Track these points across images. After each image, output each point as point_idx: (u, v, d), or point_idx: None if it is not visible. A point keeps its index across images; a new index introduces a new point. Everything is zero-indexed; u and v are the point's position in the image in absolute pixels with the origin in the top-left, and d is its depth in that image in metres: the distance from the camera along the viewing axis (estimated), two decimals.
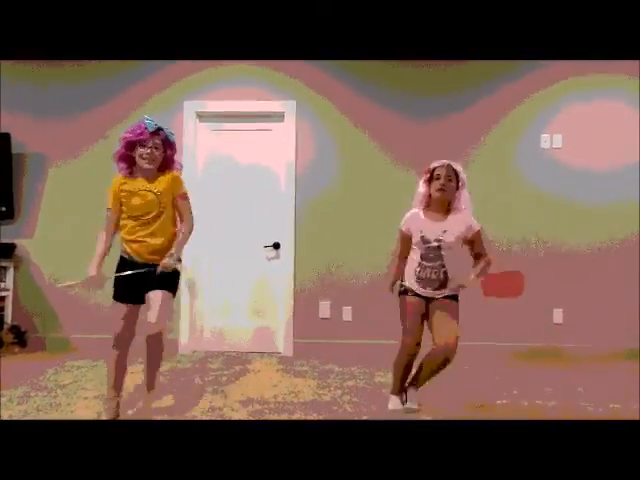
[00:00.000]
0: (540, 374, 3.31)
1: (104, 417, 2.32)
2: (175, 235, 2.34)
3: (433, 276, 2.44)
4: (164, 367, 3.44)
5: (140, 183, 2.29)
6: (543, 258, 3.90)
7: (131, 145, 2.25)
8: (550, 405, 2.61)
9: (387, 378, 3.18)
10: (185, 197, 2.37)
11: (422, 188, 2.51)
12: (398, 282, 2.56)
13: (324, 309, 3.95)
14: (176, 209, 2.35)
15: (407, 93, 4.01)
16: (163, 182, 2.30)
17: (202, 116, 4.10)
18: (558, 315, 3.87)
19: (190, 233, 2.39)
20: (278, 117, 4.05)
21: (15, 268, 4.00)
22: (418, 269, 2.47)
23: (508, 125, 3.97)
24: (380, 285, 3.92)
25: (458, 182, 2.46)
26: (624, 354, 3.74)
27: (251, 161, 4.09)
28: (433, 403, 2.58)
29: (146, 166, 2.26)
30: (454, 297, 2.49)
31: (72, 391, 2.80)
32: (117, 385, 2.32)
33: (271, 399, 2.71)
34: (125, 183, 2.30)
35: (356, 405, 2.62)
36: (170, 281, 2.31)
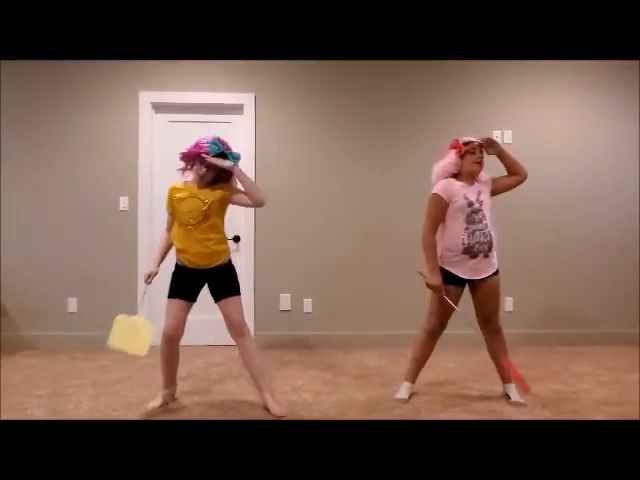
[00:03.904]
0: None
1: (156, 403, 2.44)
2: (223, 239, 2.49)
3: (482, 238, 2.48)
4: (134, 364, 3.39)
5: (193, 189, 2.44)
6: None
7: (192, 159, 2.39)
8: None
9: (349, 368, 3.25)
10: (237, 190, 2.50)
11: (452, 160, 2.53)
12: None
13: (285, 301, 3.98)
14: (237, 198, 2.47)
15: (365, 88, 4.06)
16: (214, 193, 2.42)
17: (158, 107, 4.02)
18: (509, 303, 4.06)
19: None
20: (237, 109, 4.03)
21: None
22: (464, 235, 2.48)
23: (460, 122, 4.09)
24: (339, 275, 4.00)
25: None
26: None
27: None
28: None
29: (200, 180, 2.42)
30: (496, 272, 2.56)
31: (25, 390, 2.73)
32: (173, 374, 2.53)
33: (233, 391, 2.73)
34: (179, 189, 2.48)
35: (316, 394, 2.67)
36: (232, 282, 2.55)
